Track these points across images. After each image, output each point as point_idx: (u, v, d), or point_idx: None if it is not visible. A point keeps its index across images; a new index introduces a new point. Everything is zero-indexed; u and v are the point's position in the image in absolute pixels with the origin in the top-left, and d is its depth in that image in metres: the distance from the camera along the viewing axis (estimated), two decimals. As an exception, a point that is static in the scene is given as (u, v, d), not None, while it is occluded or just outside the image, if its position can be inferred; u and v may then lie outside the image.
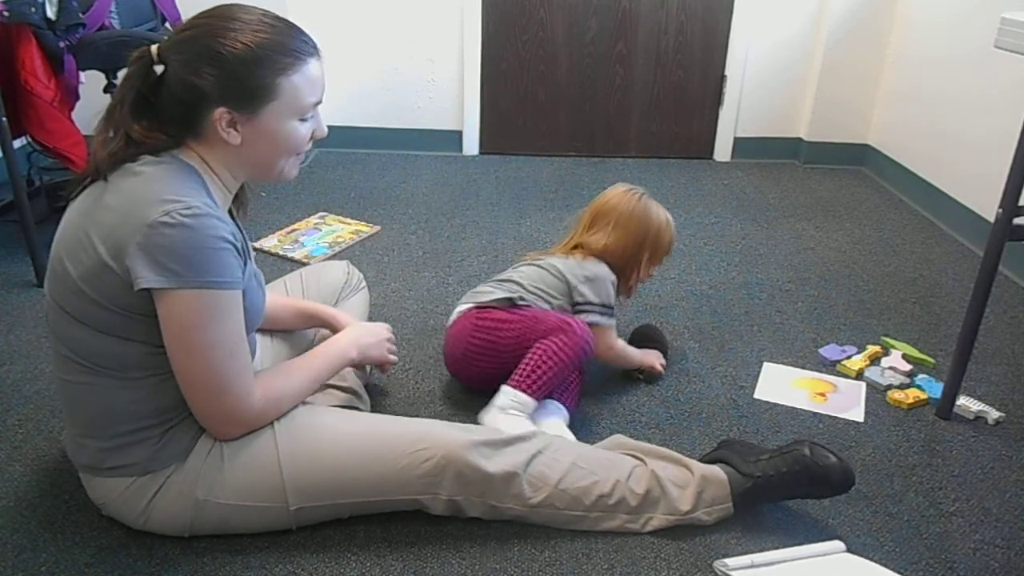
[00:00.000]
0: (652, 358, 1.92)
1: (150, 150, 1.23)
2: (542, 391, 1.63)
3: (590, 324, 1.74)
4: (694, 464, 1.48)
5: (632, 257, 1.86)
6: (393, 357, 1.64)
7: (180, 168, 1.22)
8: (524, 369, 1.64)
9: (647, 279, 1.94)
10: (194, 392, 1.26)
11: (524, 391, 1.62)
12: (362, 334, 1.57)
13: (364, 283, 1.91)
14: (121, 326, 1.22)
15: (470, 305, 1.79)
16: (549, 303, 1.79)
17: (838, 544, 1.41)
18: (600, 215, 1.87)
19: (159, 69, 1.21)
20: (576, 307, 1.81)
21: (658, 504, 1.43)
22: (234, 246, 1.22)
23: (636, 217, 1.85)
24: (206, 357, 1.22)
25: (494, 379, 1.67)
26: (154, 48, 1.23)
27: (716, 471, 1.47)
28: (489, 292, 1.79)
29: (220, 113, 1.21)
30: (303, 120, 1.27)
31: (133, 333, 1.23)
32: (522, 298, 1.76)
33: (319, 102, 1.28)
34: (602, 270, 1.83)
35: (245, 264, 1.28)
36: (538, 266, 1.85)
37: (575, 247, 1.88)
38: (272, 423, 1.35)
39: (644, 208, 1.86)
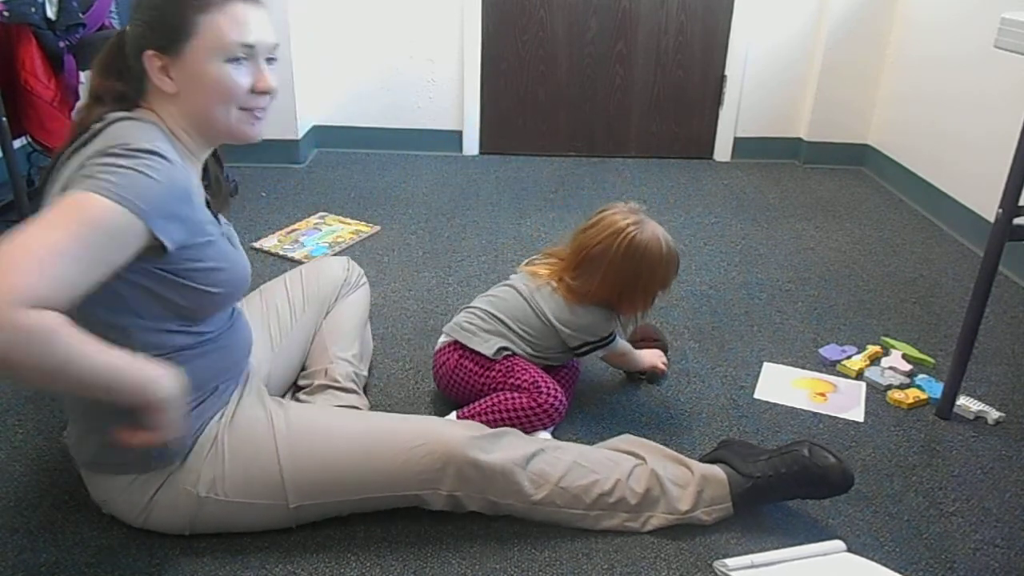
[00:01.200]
0: (655, 359, 1.92)
1: (112, 104, 1.22)
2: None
3: (600, 357, 1.84)
4: (694, 464, 1.49)
5: (627, 297, 1.70)
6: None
7: (139, 123, 1.19)
8: (476, 407, 1.65)
9: (651, 307, 1.77)
10: None
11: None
12: (172, 386, 1.13)
13: (365, 279, 1.91)
14: (105, 298, 1.13)
15: (457, 341, 1.74)
16: (536, 350, 1.73)
17: (838, 544, 1.41)
18: (586, 260, 1.69)
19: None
20: (576, 351, 1.76)
21: (658, 503, 1.44)
22: (188, 197, 1.15)
23: (626, 263, 1.66)
24: (31, 230, 1.00)
25: (477, 399, 1.69)
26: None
27: (716, 471, 1.47)
28: (479, 337, 1.72)
29: (149, 56, 1.19)
30: (233, 63, 1.21)
31: (118, 306, 1.18)
32: (508, 349, 1.71)
33: (250, 46, 1.22)
34: (593, 316, 1.71)
35: (206, 223, 1.21)
36: (527, 303, 1.73)
37: (561, 279, 1.73)
38: (270, 419, 1.35)
39: (634, 250, 1.65)
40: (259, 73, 1.26)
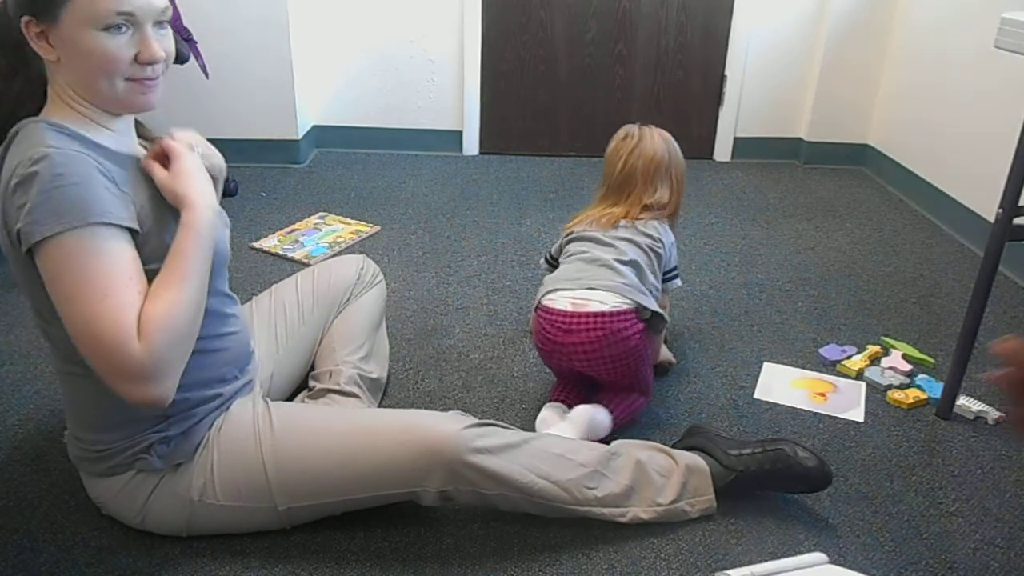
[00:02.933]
0: (667, 353, 1.98)
1: (19, 95, 1.20)
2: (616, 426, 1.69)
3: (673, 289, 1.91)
4: (678, 454, 1.50)
5: (681, 199, 1.91)
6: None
7: (36, 126, 1.17)
8: (626, 409, 1.70)
9: None
10: (80, 347, 1.13)
11: (613, 416, 1.67)
12: (198, 183, 1.25)
13: (381, 278, 1.86)
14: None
15: (607, 307, 1.64)
16: (650, 294, 1.75)
17: (820, 556, 1.39)
18: (653, 172, 1.83)
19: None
20: (666, 276, 1.84)
21: (643, 494, 1.44)
22: (105, 177, 1.14)
23: (677, 158, 1.89)
24: (75, 302, 1.11)
25: (581, 375, 1.73)
26: None
27: (699, 461, 1.49)
28: (639, 293, 1.68)
29: (26, 22, 1.14)
30: (111, 31, 1.14)
31: None
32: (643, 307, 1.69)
33: (127, 13, 1.14)
34: (671, 233, 1.87)
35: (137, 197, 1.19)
36: (639, 246, 1.76)
37: (644, 208, 1.82)
38: (255, 423, 1.34)
39: (673, 145, 1.89)
40: (144, 41, 1.16)
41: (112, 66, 1.16)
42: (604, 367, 1.66)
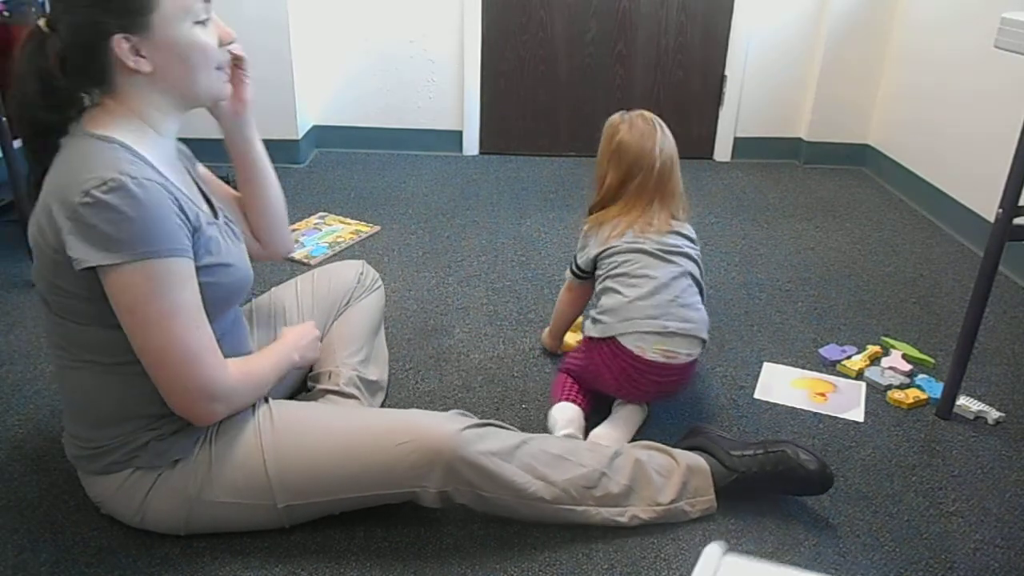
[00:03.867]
0: None
1: (63, 119, 1.21)
2: None
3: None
4: (679, 454, 1.50)
5: None
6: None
7: (94, 142, 1.19)
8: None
9: None
10: (161, 371, 1.21)
11: None
12: (299, 338, 1.51)
13: (380, 284, 1.87)
14: (93, 313, 1.20)
15: (694, 356, 1.67)
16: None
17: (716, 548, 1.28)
18: (670, 168, 1.75)
19: (50, 34, 1.17)
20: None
21: (642, 493, 1.44)
22: (172, 209, 1.18)
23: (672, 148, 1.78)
24: (164, 328, 1.18)
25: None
26: (41, 21, 1.19)
27: (700, 462, 1.49)
28: (695, 334, 1.66)
29: (118, 41, 1.15)
30: (200, 24, 1.21)
31: (111, 317, 1.20)
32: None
33: (208, 1, 1.22)
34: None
35: (196, 230, 1.23)
36: (691, 258, 1.73)
37: (671, 214, 1.77)
38: (256, 420, 1.35)
39: (662, 132, 1.76)
40: (218, 26, 1.26)
41: (211, 55, 1.23)
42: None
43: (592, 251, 1.75)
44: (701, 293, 1.73)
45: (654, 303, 1.63)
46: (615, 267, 1.69)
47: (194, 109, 1.30)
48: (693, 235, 1.78)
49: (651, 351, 1.61)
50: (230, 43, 1.28)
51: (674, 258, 1.69)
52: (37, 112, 1.21)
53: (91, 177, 1.13)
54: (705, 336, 1.69)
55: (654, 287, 1.64)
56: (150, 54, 1.18)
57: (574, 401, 1.70)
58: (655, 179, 1.73)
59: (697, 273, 1.73)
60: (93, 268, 1.14)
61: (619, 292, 1.65)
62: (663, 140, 1.74)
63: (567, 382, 1.75)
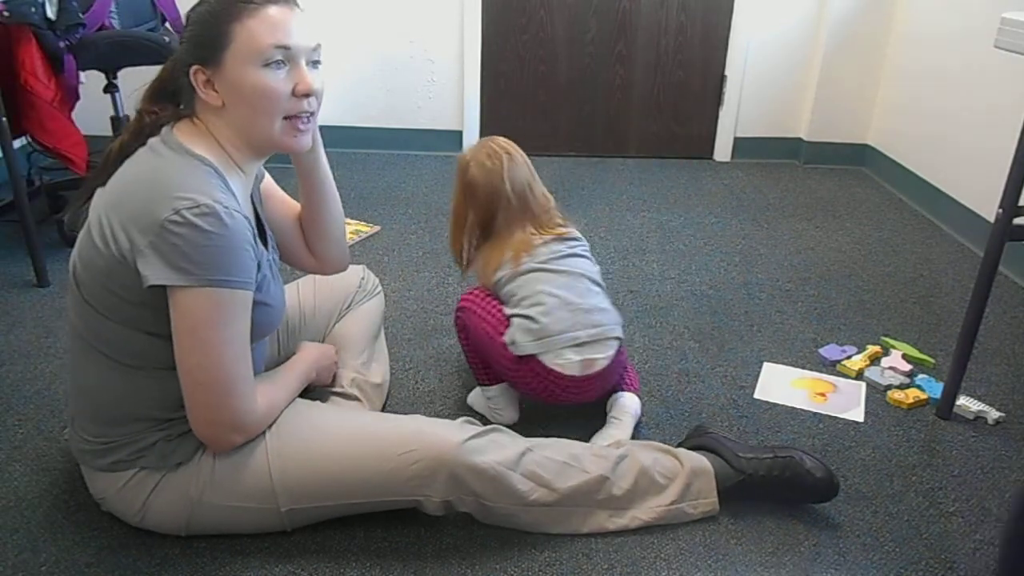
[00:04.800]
0: None
1: (159, 124, 1.27)
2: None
3: None
4: (684, 455, 1.50)
5: None
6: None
7: (189, 160, 1.23)
8: (633, 378, 1.77)
9: None
10: (201, 393, 1.24)
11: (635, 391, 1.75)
12: (320, 357, 1.58)
13: (380, 289, 1.88)
14: (136, 317, 1.23)
15: (609, 353, 1.64)
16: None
17: None
18: (526, 194, 1.78)
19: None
20: None
21: (645, 496, 1.44)
22: (250, 245, 1.23)
23: (522, 159, 1.85)
24: (218, 355, 1.22)
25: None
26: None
27: (704, 464, 1.48)
28: (608, 335, 1.65)
29: (194, 71, 1.22)
30: (271, 67, 1.21)
31: (157, 326, 1.23)
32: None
33: (285, 47, 1.22)
34: None
35: (259, 265, 1.28)
36: (583, 256, 1.74)
37: (551, 216, 1.77)
38: None
39: (509, 160, 1.79)
40: (300, 73, 1.24)
41: (274, 100, 1.23)
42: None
43: (492, 286, 1.71)
44: (602, 288, 1.71)
45: (560, 318, 1.60)
46: (513, 295, 1.66)
47: (270, 153, 1.33)
48: (577, 234, 1.77)
49: (570, 366, 1.59)
50: (307, 95, 1.26)
51: (564, 264, 1.67)
52: (148, 107, 1.29)
53: (185, 198, 1.16)
54: (619, 334, 1.66)
55: (556, 303, 1.61)
56: (220, 88, 1.23)
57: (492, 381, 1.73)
58: (516, 209, 1.73)
59: (593, 271, 1.72)
60: (163, 286, 1.17)
61: (526, 317, 1.61)
62: (511, 170, 1.75)
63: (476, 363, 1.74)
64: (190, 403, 1.26)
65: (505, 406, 1.73)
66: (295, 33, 1.23)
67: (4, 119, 2.11)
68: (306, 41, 1.24)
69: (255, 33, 1.20)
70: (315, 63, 1.27)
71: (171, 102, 1.30)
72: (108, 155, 1.30)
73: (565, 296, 1.62)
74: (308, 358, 1.55)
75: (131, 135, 1.29)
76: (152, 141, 1.26)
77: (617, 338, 1.67)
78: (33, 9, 2.17)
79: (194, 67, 1.22)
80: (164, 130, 1.27)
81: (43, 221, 2.44)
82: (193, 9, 1.25)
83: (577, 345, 1.60)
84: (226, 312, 1.21)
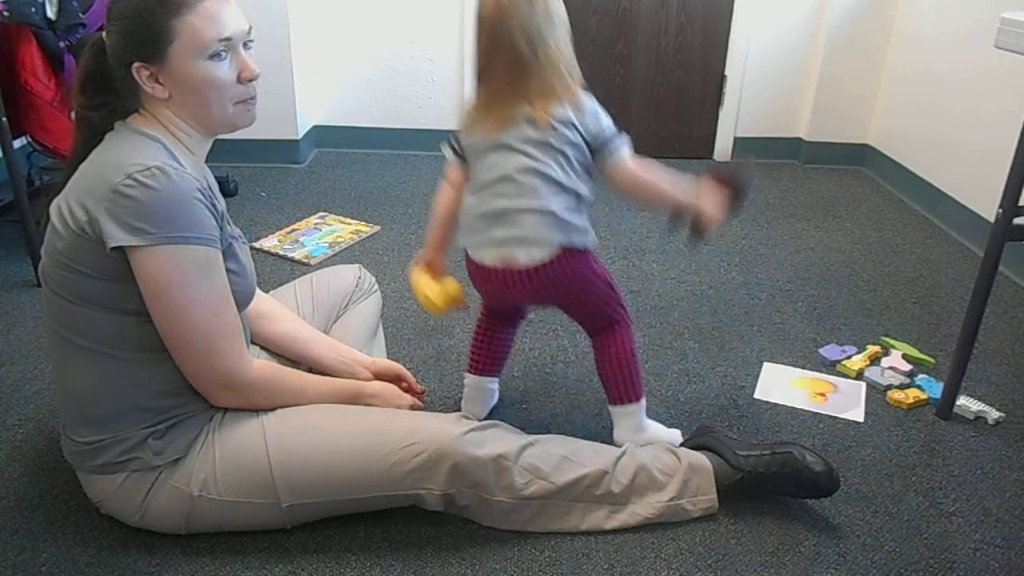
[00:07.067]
0: (707, 202, 1.52)
1: (104, 119, 1.28)
2: (641, 388, 1.60)
3: (622, 156, 1.53)
4: (683, 452, 1.50)
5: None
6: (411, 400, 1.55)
7: (140, 137, 1.25)
8: (617, 385, 1.58)
9: None
10: (182, 355, 1.27)
11: (634, 401, 1.59)
12: (393, 398, 1.50)
13: (377, 288, 1.87)
14: (106, 295, 1.23)
15: (537, 260, 1.44)
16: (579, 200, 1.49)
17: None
18: (510, 32, 1.52)
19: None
20: (599, 153, 1.52)
21: (643, 492, 1.45)
22: (205, 203, 1.24)
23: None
24: (188, 314, 1.23)
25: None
26: (104, 33, 1.27)
27: (703, 460, 1.49)
28: (533, 240, 1.43)
29: (138, 68, 1.23)
30: (215, 59, 1.23)
31: (125, 303, 1.24)
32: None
33: (227, 39, 1.23)
34: (583, 95, 1.56)
35: (221, 228, 1.29)
36: (551, 147, 1.47)
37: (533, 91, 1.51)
38: (260, 419, 1.35)
39: None
40: (242, 61, 1.27)
41: (222, 90, 1.25)
42: (558, 305, 1.55)
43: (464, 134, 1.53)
44: (561, 188, 1.45)
45: (491, 208, 1.45)
46: (473, 160, 1.51)
47: (222, 133, 1.34)
48: (569, 117, 1.50)
49: (489, 258, 1.46)
50: (251, 80, 1.28)
51: (525, 147, 1.44)
52: (87, 103, 1.28)
53: (135, 163, 1.19)
54: (551, 236, 1.43)
55: (483, 197, 1.46)
56: (166, 82, 1.24)
57: (486, 372, 1.72)
58: (488, 48, 1.48)
59: (553, 167, 1.44)
60: (123, 249, 1.18)
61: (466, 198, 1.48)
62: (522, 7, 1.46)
63: (474, 343, 1.71)
64: (178, 364, 1.28)
65: (471, 400, 1.73)
66: (233, 22, 1.24)
67: (4, 119, 2.11)
68: (242, 25, 1.26)
69: (198, 28, 1.21)
70: (249, 43, 1.29)
71: (105, 92, 1.28)
72: (68, 163, 1.30)
73: (491, 192, 1.46)
74: (373, 393, 1.48)
75: (84, 142, 1.29)
76: (107, 135, 1.28)
77: (553, 243, 1.43)
78: (33, 9, 2.17)
79: (136, 64, 1.22)
80: (117, 124, 1.28)
81: (43, 221, 2.43)
82: (117, 3, 1.23)
83: (496, 243, 1.45)
84: (189, 270, 1.21)
